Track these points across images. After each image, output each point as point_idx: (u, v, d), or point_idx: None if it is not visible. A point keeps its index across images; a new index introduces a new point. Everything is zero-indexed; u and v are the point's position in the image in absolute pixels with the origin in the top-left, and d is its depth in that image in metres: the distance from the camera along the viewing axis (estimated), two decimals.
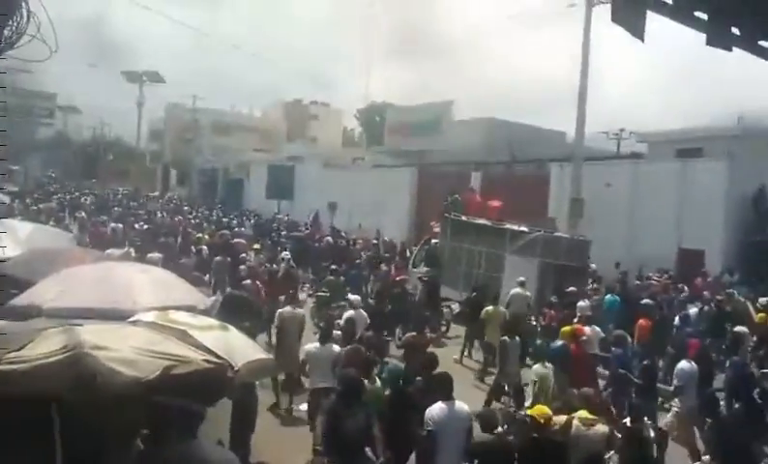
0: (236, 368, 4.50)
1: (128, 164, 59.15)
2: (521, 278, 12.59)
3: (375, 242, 24.15)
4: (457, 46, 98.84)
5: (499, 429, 5.65)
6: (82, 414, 3.65)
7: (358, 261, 18.47)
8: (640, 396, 7.20)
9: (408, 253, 20.26)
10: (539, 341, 9.71)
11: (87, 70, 63.96)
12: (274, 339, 9.62)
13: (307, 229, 27.51)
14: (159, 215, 26.90)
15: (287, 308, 9.12)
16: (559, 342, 7.98)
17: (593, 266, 17.13)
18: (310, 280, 15.46)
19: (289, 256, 16.87)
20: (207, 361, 3.95)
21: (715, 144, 20.39)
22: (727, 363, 8.76)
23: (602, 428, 5.53)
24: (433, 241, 17.37)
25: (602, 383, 8.86)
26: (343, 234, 26.17)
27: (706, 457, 5.55)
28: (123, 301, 5.52)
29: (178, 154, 59.43)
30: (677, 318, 11.45)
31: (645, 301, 12.27)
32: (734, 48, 4.13)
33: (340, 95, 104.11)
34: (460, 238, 15.65)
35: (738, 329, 10.05)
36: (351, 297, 10.73)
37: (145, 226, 21.47)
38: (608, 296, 12.94)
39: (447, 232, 16.23)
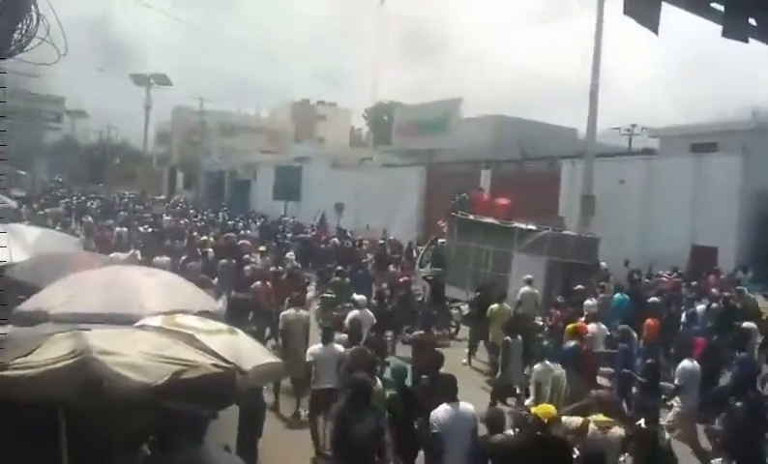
0: (244, 372, 4.45)
1: (134, 168, 59.43)
2: (529, 276, 12.51)
3: (382, 242, 24.10)
4: (466, 44, 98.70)
5: (510, 432, 5.59)
6: (89, 418, 3.61)
7: (364, 261, 18.39)
8: (644, 394, 7.12)
9: (415, 253, 20.18)
10: (545, 342, 9.61)
11: (94, 73, 64.59)
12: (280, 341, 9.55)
13: (313, 231, 27.51)
14: (164, 218, 26.92)
15: (291, 311, 9.04)
16: (572, 343, 7.88)
17: (603, 264, 17.00)
18: (315, 281, 15.40)
19: (294, 257, 16.91)
20: (215, 365, 3.89)
21: (729, 139, 20.13)
22: (735, 360, 8.66)
23: (618, 431, 5.45)
24: (440, 240, 17.26)
25: (603, 381, 8.80)
26: (349, 234, 26.13)
27: (716, 461, 5.44)
28: (130, 305, 5.47)
29: (185, 156, 59.67)
30: (684, 316, 11.32)
31: (653, 299, 12.18)
32: (750, 40, 4.03)
33: (348, 95, 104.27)
34: (468, 237, 15.54)
35: (746, 324, 9.99)
36: (356, 297, 10.64)
37: (150, 229, 21.53)
38: (618, 294, 12.83)
39: (454, 231, 16.13)
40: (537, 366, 7.84)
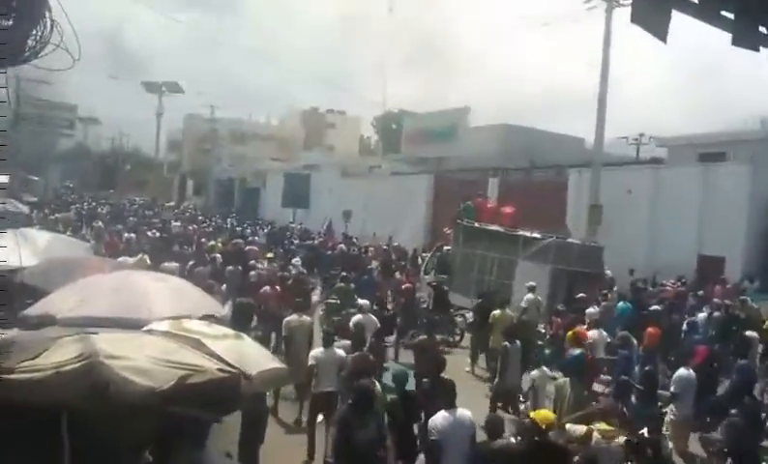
0: (250, 377, 4.45)
1: (145, 175, 59.94)
2: (532, 283, 12.54)
3: (386, 248, 24.14)
4: (474, 52, 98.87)
5: (512, 439, 5.57)
6: (94, 423, 3.62)
7: (370, 268, 18.50)
8: (641, 402, 7.15)
9: (420, 260, 20.20)
10: (547, 351, 9.59)
11: (107, 81, 65.26)
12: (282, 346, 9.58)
13: (321, 237, 27.61)
14: (173, 224, 27.11)
15: (293, 316, 9.08)
16: (577, 351, 7.84)
17: (608, 272, 16.95)
18: (320, 287, 15.45)
19: (300, 262, 17.00)
20: (221, 370, 3.90)
21: (738, 148, 20.01)
22: (735, 367, 8.65)
23: (621, 440, 5.42)
24: (446, 247, 17.27)
25: (599, 387, 8.80)
26: (355, 240, 26.18)
27: None
28: (139, 309, 5.52)
29: (196, 163, 60.09)
30: (685, 324, 11.29)
31: (654, 307, 12.17)
32: (761, 48, 4.01)
33: (357, 103, 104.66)
34: (473, 244, 15.55)
35: (748, 333, 10.00)
36: (360, 302, 10.70)
37: (158, 235, 21.71)
38: (621, 303, 12.80)
39: (459, 238, 16.15)
40: (534, 372, 7.92)
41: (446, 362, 7.06)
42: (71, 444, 3.56)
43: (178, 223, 27.60)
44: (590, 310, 10.87)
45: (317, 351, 7.74)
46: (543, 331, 11.98)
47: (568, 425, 5.66)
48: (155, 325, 5.03)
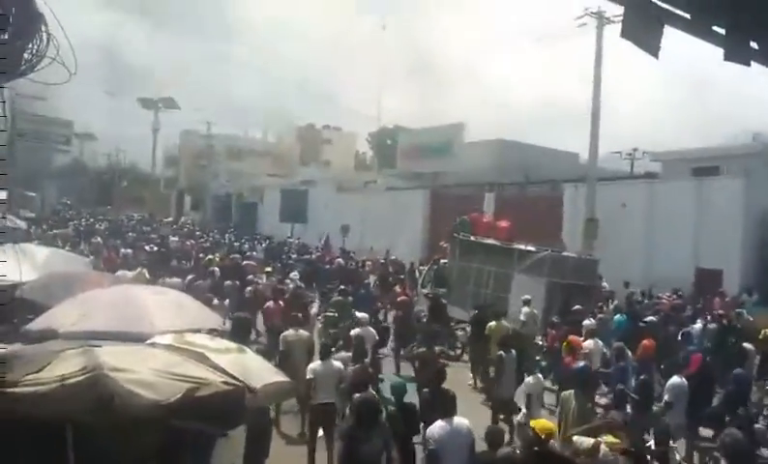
0: (254, 391, 4.46)
1: (142, 191, 59.89)
2: (527, 296, 12.62)
3: (383, 262, 24.18)
4: (468, 69, 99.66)
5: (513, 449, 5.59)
6: (98, 435, 3.63)
7: (367, 282, 18.54)
8: (637, 411, 7.17)
9: (417, 274, 20.23)
10: (543, 363, 9.63)
11: (102, 97, 65.41)
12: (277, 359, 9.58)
13: (318, 252, 27.68)
14: (171, 239, 27.11)
15: (290, 331, 9.08)
16: (581, 363, 7.86)
17: (605, 285, 16.97)
18: (318, 301, 15.49)
19: (298, 277, 17.01)
20: (226, 383, 3.92)
21: (731, 162, 20.21)
22: (732, 376, 8.64)
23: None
24: (442, 261, 17.35)
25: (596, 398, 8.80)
26: (352, 254, 26.25)
27: None
28: (141, 323, 5.53)
29: (193, 179, 60.13)
30: (680, 335, 11.36)
31: (649, 318, 12.27)
32: (752, 63, 4.08)
33: (353, 119, 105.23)
34: (469, 258, 15.64)
35: (745, 345, 10.07)
36: (359, 314, 10.77)
37: (156, 250, 21.80)
38: (618, 316, 12.89)
39: (456, 252, 16.23)
40: (528, 379, 7.97)
41: (446, 372, 7.08)
42: (75, 457, 3.57)
43: (176, 239, 27.59)
44: (587, 322, 10.93)
45: (315, 364, 7.76)
46: (539, 343, 12.02)
47: (575, 438, 5.66)
48: (157, 338, 5.04)
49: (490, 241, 15.67)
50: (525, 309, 12.37)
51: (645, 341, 9.29)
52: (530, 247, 14.63)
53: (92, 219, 37.20)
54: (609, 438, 5.54)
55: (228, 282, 14.05)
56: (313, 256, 25.53)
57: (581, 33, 22.20)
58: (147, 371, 3.70)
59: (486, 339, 11.10)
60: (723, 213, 18.72)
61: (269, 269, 17.59)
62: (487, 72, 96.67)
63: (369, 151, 63.52)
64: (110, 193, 59.31)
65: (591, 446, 5.46)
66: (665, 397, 7.75)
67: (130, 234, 29.01)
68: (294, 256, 25.63)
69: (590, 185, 21.97)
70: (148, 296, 6.44)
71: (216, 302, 10.14)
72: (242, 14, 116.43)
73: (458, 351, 13.80)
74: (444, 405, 5.80)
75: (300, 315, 10.07)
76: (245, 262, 18.80)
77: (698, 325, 12.48)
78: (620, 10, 3.77)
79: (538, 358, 10.97)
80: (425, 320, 13.78)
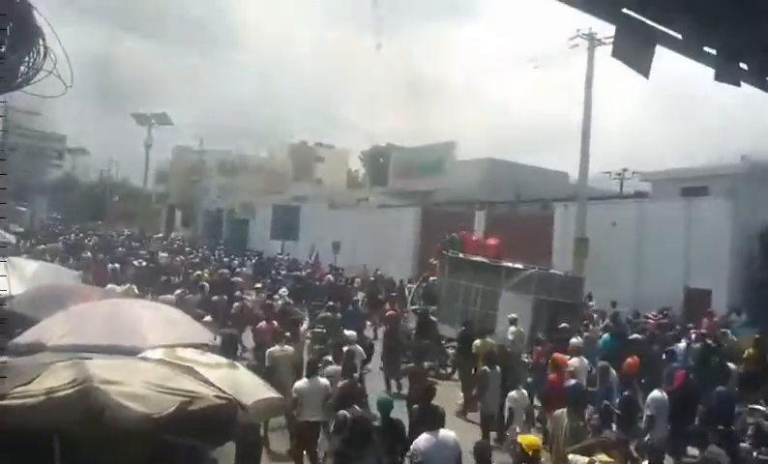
0: (245, 407, 4.42)
1: (133, 206, 59.60)
2: (513, 315, 12.68)
3: (373, 279, 24.11)
4: (459, 88, 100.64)
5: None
6: (87, 448, 3.58)
7: (356, 299, 18.50)
8: (621, 427, 7.18)
9: (407, 291, 20.22)
10: (529, 379, 9.68)
11: (96, 112, 65.31)
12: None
13: (308, 268, 27.62)
14: (161, 254, 26.97)
15: (277, 347, 9.07)
16: (572, 381, 7.86)
17: (591, 303, 17.00)
18: (307, 317, 15.46)
19: (287, 293, 16.97)
20: (218, 396, 3.88)
21: (720, 182, 20.46)
22: (714, 394, 8.72)
23: None
24: (431, 278, 17.38)
25: None
26: (341, 271, 26.21)
27: None
28: (132, 337, 5.47)
29: (184, 195, 59.95)
30: (664, 353, 11.44)
31: (634, 336, 12.40)
32: (742, 84, 4.16)
33: (345, 137, 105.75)
34: (458, 275, 15.66)
35: (728, 364, 10.22)
36: (347, 332, 10.76)
37: (145, 265, 21.71)
38: (605, 335, 12.96)
39: (444, 269, 16.26)
40: (512, 393, 8.00)
41: (435, 389, 7.09)
42: None
43: (165, 254, 27.43)
44: (574, 340, 10.99)
45: (301, 382, 7.71)
46: (526, 360, 12.06)
47: (570, 456, 5.65)
48: (148, 353, 4.99)
49: (479, 258, 15.73)
50: (512, 329, 12.44)
51: (629, 359, 9.38)
52: (517, 265, 14.70)
53: (81, 234, 36.90)
54: (604, 457, 5.52)
55: (216, 297, 14.06)
56: (303, 273, 25.46)
57: (573, 54, 22.58)
58: (138, 384, 3.67)
59: (473, 357, 11.11)
60: (711, 233, 18.88)
61: (259, 285, 17.54)
62: (479, 93, 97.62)
63: (361, 169, 63.75)
64: (101, 208, 58.99)
65: None
66: (647, 412, 7.82)
67: (119, 249, 28.80)
68: (284, 272, 25.55)
69: (581, 204, 22.15)
70: (139, 310, 6.39)
71: (208, 318, 10.06)
72: (234, 33, 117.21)
73: (449, 369, 13.74)
74: (432, 419, 5.80)
75: (289, 333, 10.04)
76: (234, 278, 18.79)
77: (683, 344, 12.57)
78: (611, 31, 3.82)
79: (525, 376, 11.00)
80: (414, 336, 13.78)
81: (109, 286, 11.82)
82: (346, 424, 5.90)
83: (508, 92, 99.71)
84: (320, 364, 8.23)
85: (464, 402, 10.90)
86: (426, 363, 11.43)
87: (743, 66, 3.98)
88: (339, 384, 7.45)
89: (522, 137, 73.15)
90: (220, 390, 4.18)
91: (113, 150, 62.25)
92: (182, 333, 5.97)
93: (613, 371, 9.30)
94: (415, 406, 7.03)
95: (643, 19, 3.69)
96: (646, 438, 7.63)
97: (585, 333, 12.85)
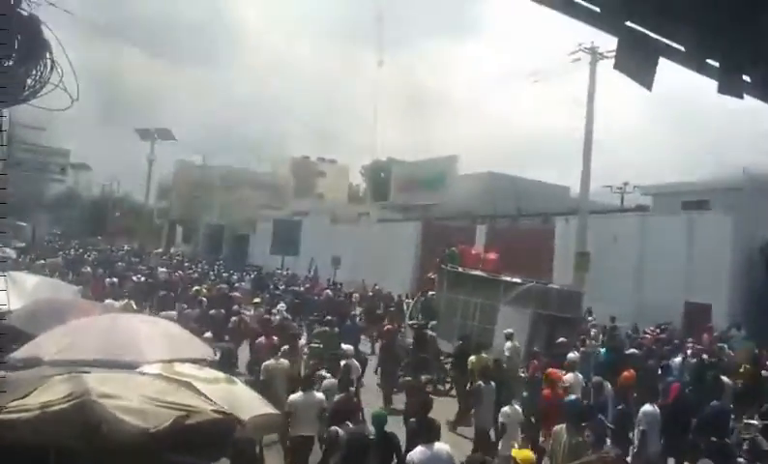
0: (243, 422, 4.37)
1: (134, 221, 59.68)
2: (509, 331, 12.62)
3: (371, 294, 24.06)
4: (460, 102, 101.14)
5: None
6: (83, 462, 3.52)
7: (354, 314, 18.51)
8: (614, 442, 7.17)
9: (405, 306, 20.15)
10: (525, 393, 9.63)
11: (98, 127, 65.64)
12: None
13: (307, 283, 27.58)
14: (160, 270, 26.97)
15: (271, 361, 9.04)
16: (573, 397, 7.78)
17: (591, 318, 16.93)
18: (305, 332, 15.41)
19: (285, 308, 16.90)
20: (216, 411, 3.83)
21: (721, 196, 20.46)
22: (708, 408, 8.64)
23: None
24: (430, 293, 17.33)
25: None
26: (339, 286, 26.19)
27: None
28: (129, 352, 5.44)
29: (186, 210, 60.06)
30: (659, 369, 11.40)
31: (631, 350, 12.43)
32: (745, 96, 4.13)
33: (347, 151, 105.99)
34: (456, 289, 15.61)
35: (723, 378, 10.21)
36: (344, 347, 10.72)
37: (142, 279, 21.70)
38: (604, 349, 12.95)
39: (443, 284, 16.21)
40: (505, 409, 7.97)
41: (432, 402, 7.10)
42: None
43: (164, 270, 27.41)
44: (571, 355, 10.94)
45: (296, 396, 7.64)
46: (522, 375, 12.00)
47: None
48: (146, 368, 4.96)
49: (477, 272, 15.69)
50: (508, 344, 12.38)
51: (626, 373, 9.35)
52: (516, 279, 14.66)
53: (81, 250, 36.92)
54: None
55: (214, 311, 14.07)
56: (302, 288, 25.43)
57: (574, 68, 22.69)
58: (136, 398, 3.64)
59: (470, 373, 11.06)
60: (712, 247, 18.87)
61: (257, 300, 17.52)
62: (481, 108, 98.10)
63: (362, 183, 63.85)
64: (101, 224, 59.06)
65: None
66: (640, 426, 7.77)
67: (119, 264, 28.79)
68: (282, 287, 25.52)
69: (582, 218, 22.15)
70: (136, 325, 6.36)
71: (209, 334, 10.03)
72: (237, 48, 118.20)
73: (448, 385, 13.64)
74: (429, 433, 5.81)
75: (288, 346, 9.99)
76: (232, 293, 18.83)
77: (678, 358, 12.55)
78: (613, 44, 3.80)
79: (522, 390, 10.96)
80: (411, 351, 13.73)
81: (107, 301, 11.80)
82: (338, 442, 5.86)
83: (509, 107, 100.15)
84: (315, 379, 8.17)
85: (457, 417, 10.85)
86: (423, 377, 11.33)
87: (746, 78, 3.95)
88: (336, 398, 7.41)
89: (524, 152, 73.35)
90: (217, 405, 4.13)
91: (116, 165, 62.51)
92: (180, 347, 5.93)
93: (608, 385, 9.30)
94: (412, 419, 7.04)
95: (646, 32, 3.67)
96: (636, 450, 7.59)
97: (582, 348, 12.80)
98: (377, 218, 38.69)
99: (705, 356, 12.36)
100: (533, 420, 8.73)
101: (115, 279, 20.49)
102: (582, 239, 21.72)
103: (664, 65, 3.86)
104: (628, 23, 3.64)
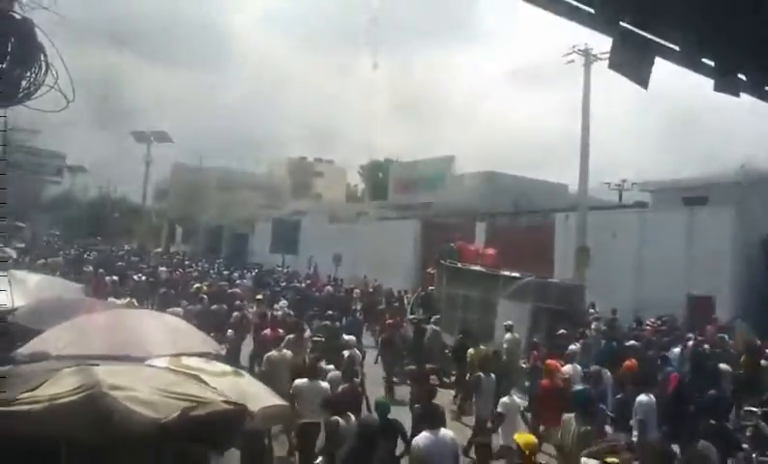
0: (252, 414, 4.42)
1: (133, 222, 59.66)
2: (509, 323, 12.74)
3: (372, 290, 24.18)
4: (458, 103, 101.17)
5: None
6: (94, 455, 3.56)
7: (355, 309, 18.64)
8: (615, 430, 7.22)
9: (405, 301, 20.27)
10: (527, 383, 9.73)
11: (94, 129, 65.60)
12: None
13: (307, 280, 27.65)
14: (160, 269, 27.02)
15: (274, 352, 9.08)
16: (579, 386, 7.88)
17: (593, 311, 17.05)
18: (307, 328, 15.52)
19: (287, 304, 16.95)
20: (226, 402, 3.88)
21: (720, 191, 20.55)
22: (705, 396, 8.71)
23: None
24: (430, 288, 17.42)
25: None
26: (340, 282, 26.27)
27: None
28: (135, 347, 5.47)
29: (184, 211, 60.04)
30: (659, 359, 11.49)
31: (631, 342, 12.54)
32: (741, 94, 4.18)
33: (344, 152, 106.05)
34: (455, 284, 15.73)
35: (721, 365, 10.30)
36: (346, 337, 10.84)
37: (144, 279, 21.73)
38: (605, 342, 12.99)
39: (442, 279, 16.30)
40: (504, 399, 8.04)
41: (436, 389, 7.32)
42: None
43: (165, 269, 27.46)
44: (572, 347, 11.04)
45: (300, 381, 7.67)
46: (523, 366, 12.11)
47: (583, 460, 5.68)
48: (154, 362, 5.00)
49: (476, 267, 15.80)
50: (507, 336, 12.55)
51: (627, 362, 9.42)
52: (515, 274, 14.79)
53: (81, 250, 36.95)
54: (614, 460, 5.54)
55: (215, 306, 14.19)
56: (302, 284, 25.48)
57: (570, 69, 22.86)
58: (146, 389, 3.66)
59: (469, 365, 11.17)
60: (713, 242, 18.92)
61: (260, 296, 17.58)
62: (478, 108, 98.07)
63: (359, 183, 63.92)
64: (100, 225, 59.00)
65: None
66: (637, 416, 7.82)
67: (119, 264, 28.82)
68: (283, 284, 25.59)
69: (581, 213, 22.23)
70: (143, 320, 6.41)
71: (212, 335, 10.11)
72: (234, 51, 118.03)
73: (453, 378, 13.76)
74: (434, 419, 5.89)
75: (293, 335, 10.05)
76: (232, 289, 18.95)
77: (677, 349, 12.58)
78: (607, 45, 3.84)
79: (523, 381, 11.07)
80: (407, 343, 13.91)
81: (109, 299, 11.85)
82: (338, 432, 5.93)
83: (507, 107, 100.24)
84: (319, 369, 8.18)
85: (458, 407, 11.03)
86: (428, 366, 11.49)
87: (741, 76, 4.01)
88: (340, 388, 7.47)
89: (522, 152, 73.52)
90: (226, 396, 4.18)
91: (112, 167, 62.41)
92: (186, 342, 5.97)
93: (608, 373, 9.38)
94: (417, 406, 7.20)
95: (641, 32, 3.72)
96: (637, 439, 7.62)
97: (581, 341, 12.92)
98: (376, 217, 38.76)
99: (707, 346, 12.38)
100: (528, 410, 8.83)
101: (116, 278, 20.53)
102: (582, 234, 21.81)
103: (660, 62, 3.91)
104: (622, 24, 3.69)
